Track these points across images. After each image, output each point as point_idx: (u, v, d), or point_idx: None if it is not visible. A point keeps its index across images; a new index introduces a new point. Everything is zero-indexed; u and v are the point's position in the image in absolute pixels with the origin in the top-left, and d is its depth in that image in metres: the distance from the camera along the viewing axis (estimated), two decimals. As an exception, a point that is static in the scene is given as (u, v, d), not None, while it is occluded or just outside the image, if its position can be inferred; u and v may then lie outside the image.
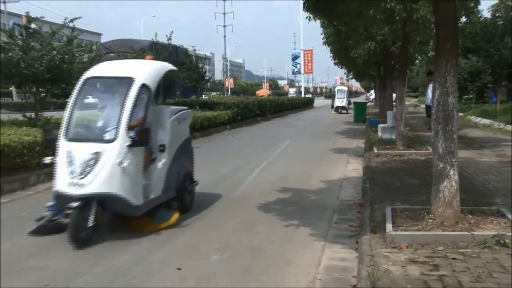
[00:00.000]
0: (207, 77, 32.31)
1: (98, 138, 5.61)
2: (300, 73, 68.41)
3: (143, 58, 12.63)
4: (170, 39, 20.18)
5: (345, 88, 38.73)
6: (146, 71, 6.06)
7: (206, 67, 62.25)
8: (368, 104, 34.68)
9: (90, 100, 6.74)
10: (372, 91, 56.19)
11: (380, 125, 14.97)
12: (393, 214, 5.43)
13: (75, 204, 5.11)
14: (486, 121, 18.61)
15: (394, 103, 16.00)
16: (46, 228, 5.54)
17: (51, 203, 5.65)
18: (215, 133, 18.23)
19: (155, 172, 5.94)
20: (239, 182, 8.75)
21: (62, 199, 5.34)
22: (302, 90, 68.48)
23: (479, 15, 19.68)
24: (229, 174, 9.66)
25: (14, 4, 49.05)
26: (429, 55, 18.60)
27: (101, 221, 5.41)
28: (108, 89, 6.40)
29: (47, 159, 5.66)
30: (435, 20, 5.41)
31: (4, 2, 48.28)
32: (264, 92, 71.58)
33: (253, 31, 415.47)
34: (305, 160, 11.57)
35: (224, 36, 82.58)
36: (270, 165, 10.78)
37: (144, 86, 5.70)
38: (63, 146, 5.44)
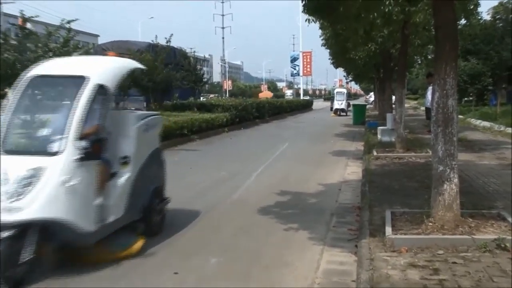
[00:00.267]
0: (205, 79, 32.37)
1: (41, 150, 4.54)
2: (299, 75, 68.37)
3: (141, 59, 12.58)
4: (170, 41, 20.22)
5: (344, 90, 38.73)
6: (103, 70, 5.18)
7: (205, 68, 62.39)
8: (368, 106, 34.64)
9: (34, 103, 5.43)
10: (372, 93, 56.21)
11: (380, 128, 14.95)
12: (392, 217, 5.40)
13: (6, 234, 4.04)
14: (486, 123, 18.57)
15: (393, 106, 15.97)
16: None
17: None
18: (213, 136, 18.18)
19: (115, 190, 4.96)
20: (238, 185, 8.71)
21: None
22: (301, 92, 68.43)
23: (479, 17, 19.74)
24: (227, 177, 9.62)
25: (10, 4, 48.98)
26: (428, 57, 18.57)
27: (42, 253, 4.23)
28: (57, 90, 5.41)
29: None
30: (435, 23, 5.41)
31: (0, 3, 48.24)
32: (267, 94, 71.29)
33: (251, 32, 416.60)
34: (304, 162, 11.53)
35: (223, 37, 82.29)
36: (269, 168, 10.74)
37: (100, 87, 4.79)
38: None
